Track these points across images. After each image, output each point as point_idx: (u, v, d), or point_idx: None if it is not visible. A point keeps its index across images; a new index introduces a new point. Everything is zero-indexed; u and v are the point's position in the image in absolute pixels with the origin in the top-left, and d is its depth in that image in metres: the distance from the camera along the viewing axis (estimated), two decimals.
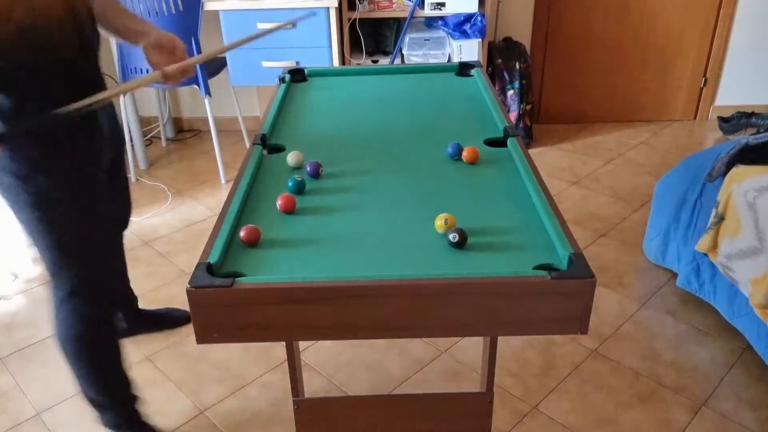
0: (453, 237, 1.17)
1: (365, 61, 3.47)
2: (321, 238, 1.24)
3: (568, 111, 4.03)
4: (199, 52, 3.12)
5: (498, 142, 1.60)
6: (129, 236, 2.96)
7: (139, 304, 2.28)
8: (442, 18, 3.41)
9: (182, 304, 2.49)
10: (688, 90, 3.98)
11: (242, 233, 1.20)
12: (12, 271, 2.66)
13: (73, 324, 1.58)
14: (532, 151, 3.65)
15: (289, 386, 1.50)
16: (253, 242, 1.21)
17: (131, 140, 3.49)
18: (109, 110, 1.60)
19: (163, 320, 2.32)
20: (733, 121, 3.78)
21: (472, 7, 3.30)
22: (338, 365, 2.17)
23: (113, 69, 3.57)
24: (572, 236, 1.17)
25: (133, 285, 2.62)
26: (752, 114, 3.75)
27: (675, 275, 2.49)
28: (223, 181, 3.45)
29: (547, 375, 2.11)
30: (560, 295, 1.07)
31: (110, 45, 3.41)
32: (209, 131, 3.40)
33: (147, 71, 3.15)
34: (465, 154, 1.51)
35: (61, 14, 1.34)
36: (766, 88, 3.93)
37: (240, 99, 3.81)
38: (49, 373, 2.18)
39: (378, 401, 1.65)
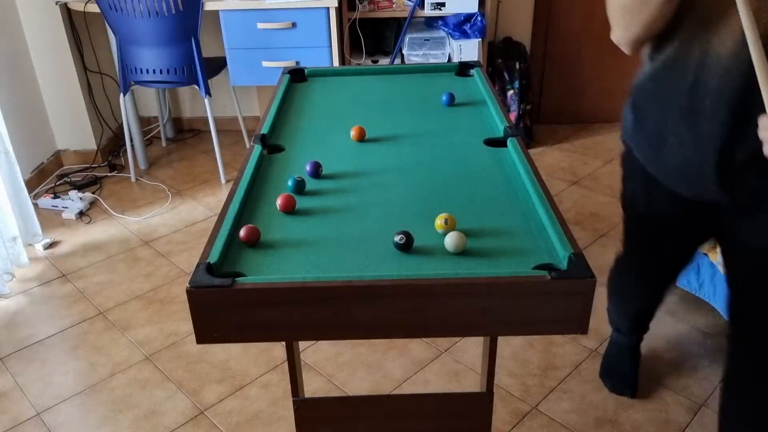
0: (400, 239, 1.17)
1: (365, 61, 3.47)
2: (321, 238, 1.24)
3: (568, 111, 4.03)
4: (198, 52, 3.12)
5: (498, 142, 1.60)
6: (129, 236, 2.97)
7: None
8: (442, 18, 3.41)
9: (182, 304, 2.49)
10: None
11: (242, 233, 1.20)
12: (8, 271, 2.65)
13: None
14: (532, 151, 3.65)
15: (289, 386, 1.50)
16: (253, 242, 1.21)
17: (131, 140, 3.49)
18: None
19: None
20: None
21: (472, 7, 3.30)
22: (338, 365, 2.17)
23: (113, 68, 3.58)
24: (572, 236, 1.17)
25: (132, 285, 2.63)
26: None
27: None
28: (223, 181, 3.45)
29: (547, 375, 2.11)
30: (560, 295, 1.07)
31: (110, 44, 3.42)
32: (209, 131, 3.40)
33: (147, 71, 3.16)
34: (352, 133, 1.64)
35: None
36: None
37: (240, 99, 3.81)
38: (49, 373, 2.19)
39: (378, 401, 1.64)
